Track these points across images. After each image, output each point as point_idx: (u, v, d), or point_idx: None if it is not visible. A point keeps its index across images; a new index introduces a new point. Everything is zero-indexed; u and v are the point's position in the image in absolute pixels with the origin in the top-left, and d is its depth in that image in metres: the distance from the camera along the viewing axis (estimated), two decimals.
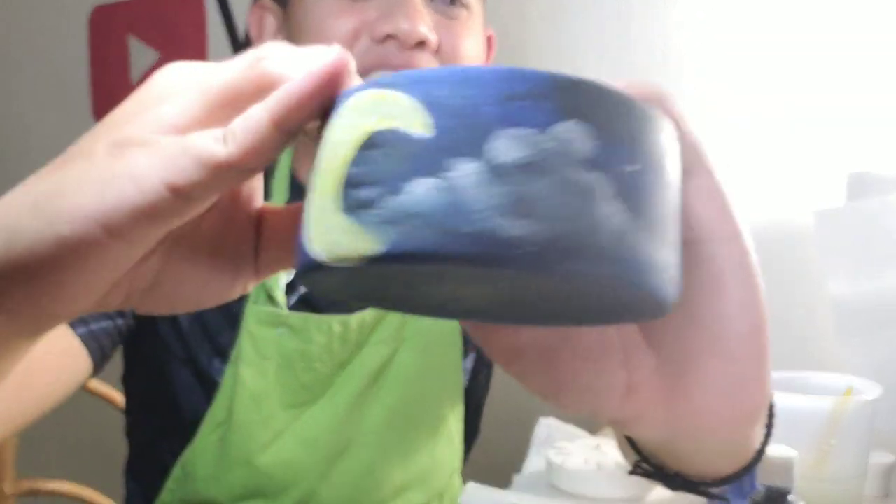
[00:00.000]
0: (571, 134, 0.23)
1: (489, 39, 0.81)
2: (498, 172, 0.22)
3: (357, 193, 0.23)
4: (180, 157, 0.26)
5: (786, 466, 0.61)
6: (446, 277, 0.25)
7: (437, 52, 0.70)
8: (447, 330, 0.82)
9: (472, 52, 0.72)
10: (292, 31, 0.73)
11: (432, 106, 0.23)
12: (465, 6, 0.72)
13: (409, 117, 0.23)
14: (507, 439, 1.29)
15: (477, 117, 0.23)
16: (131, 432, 0.83)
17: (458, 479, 0.86)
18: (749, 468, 0.46)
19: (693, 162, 0.29)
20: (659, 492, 0.88)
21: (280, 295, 0.74)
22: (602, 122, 0.23)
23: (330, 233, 0.24)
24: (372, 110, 0.24)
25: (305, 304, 0.76)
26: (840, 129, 1.18)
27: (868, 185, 1.01)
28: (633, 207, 0.23)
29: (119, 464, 0.87)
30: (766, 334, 0.31)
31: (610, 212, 0.23)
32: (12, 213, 0.28)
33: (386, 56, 0.67)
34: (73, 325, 0.67)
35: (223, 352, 0.74)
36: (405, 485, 0.78)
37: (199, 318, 0.74)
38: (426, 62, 0.68)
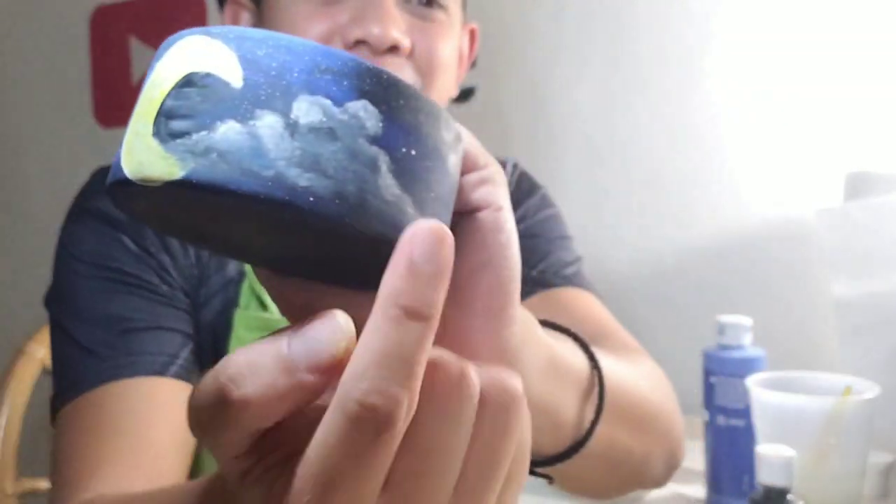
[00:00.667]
0: (361, 112, 0.26)
1: (472, 33, 0.81)
2: (295, 130, 0.26)
3: (170, 124, 0.26)
4: None
5: (785, 465, 0.61)
6: (239, 217, 0.28)
7: (411, 55, 0.69)
8: None
9: (447, 55, 0.71)
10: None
11: (247, 62, 0.26)
12: (443, 8, 0.71)
13: (226, 67, 0.26)
14: None
15: (285, 80, 0.26)
16: None
17: None
18: (577, 447, 0.48)
19: (477, 162, 0.33)
20: (658, 491, 0.88)
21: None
22: (389, 108, 0.27)
23: (140, 154, 0.26)
24: (195, 54, 0.27)
25: None
26: (838, 129, 1.18)
27: (866, 185, 1.01)
28: (405, 183, 0.27)
29: None
30: (510, 293, 0.32)
31: (386, 183, 0.27)
32: None
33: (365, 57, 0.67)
34: (165, 373, 0.67)
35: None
36: None
37: (205, 337, 0.74)
38: (399, 66, 0.68)
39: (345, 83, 0.26)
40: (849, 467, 0.72)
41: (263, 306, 0.74)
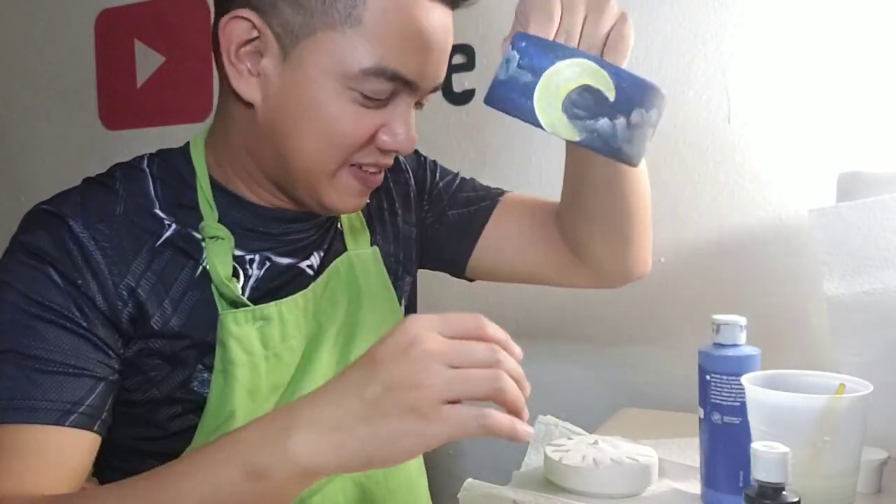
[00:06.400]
0: (653, 115, 0.60)
1: None
2: (628, 125, 0.59)
3: (574, 109, 0.57)
4: (468, 423, 0.53)
5: (780, 462, 0.62)
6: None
7: None
8: (379, 283, 0.91)
9: None
10: (288, 93, 0.72)
11: (618, 87, 0.57)
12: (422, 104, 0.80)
13: (607, 86, 0.58)
14: None
15: (626, 98, 0.58)
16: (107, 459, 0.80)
17: None
18: None
19: None
20: (654, 488, 0.89)
21: (241, 297, 0.77)
22: (654, 110, 0.61)
23: (554, 117, 0.58)
24: (590, 74, 0.57)
25: (256, 291, 0.80)
26: (830, 129, 1.19)
27: (858, 185, 1.02)
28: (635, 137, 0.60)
29: None
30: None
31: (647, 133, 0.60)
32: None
33: (382, 158, 0.77)
34: (63, 423, 0.67)
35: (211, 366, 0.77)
36: None
37: (186, 342, 0.76)
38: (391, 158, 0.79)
39: (645, 104, 0.58)
40: (843, 464, 0.73)
41: (235, 304, 0.77)
